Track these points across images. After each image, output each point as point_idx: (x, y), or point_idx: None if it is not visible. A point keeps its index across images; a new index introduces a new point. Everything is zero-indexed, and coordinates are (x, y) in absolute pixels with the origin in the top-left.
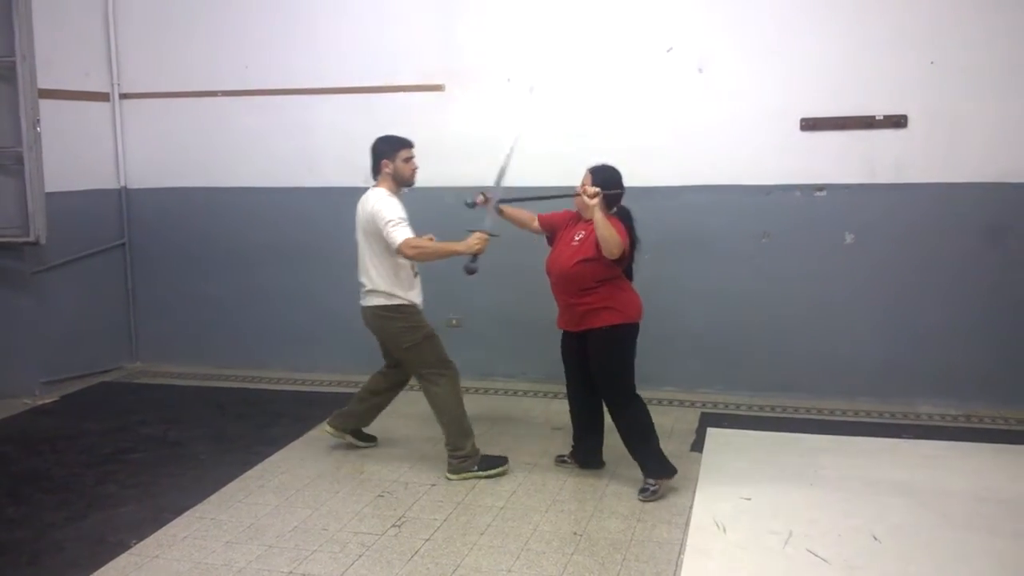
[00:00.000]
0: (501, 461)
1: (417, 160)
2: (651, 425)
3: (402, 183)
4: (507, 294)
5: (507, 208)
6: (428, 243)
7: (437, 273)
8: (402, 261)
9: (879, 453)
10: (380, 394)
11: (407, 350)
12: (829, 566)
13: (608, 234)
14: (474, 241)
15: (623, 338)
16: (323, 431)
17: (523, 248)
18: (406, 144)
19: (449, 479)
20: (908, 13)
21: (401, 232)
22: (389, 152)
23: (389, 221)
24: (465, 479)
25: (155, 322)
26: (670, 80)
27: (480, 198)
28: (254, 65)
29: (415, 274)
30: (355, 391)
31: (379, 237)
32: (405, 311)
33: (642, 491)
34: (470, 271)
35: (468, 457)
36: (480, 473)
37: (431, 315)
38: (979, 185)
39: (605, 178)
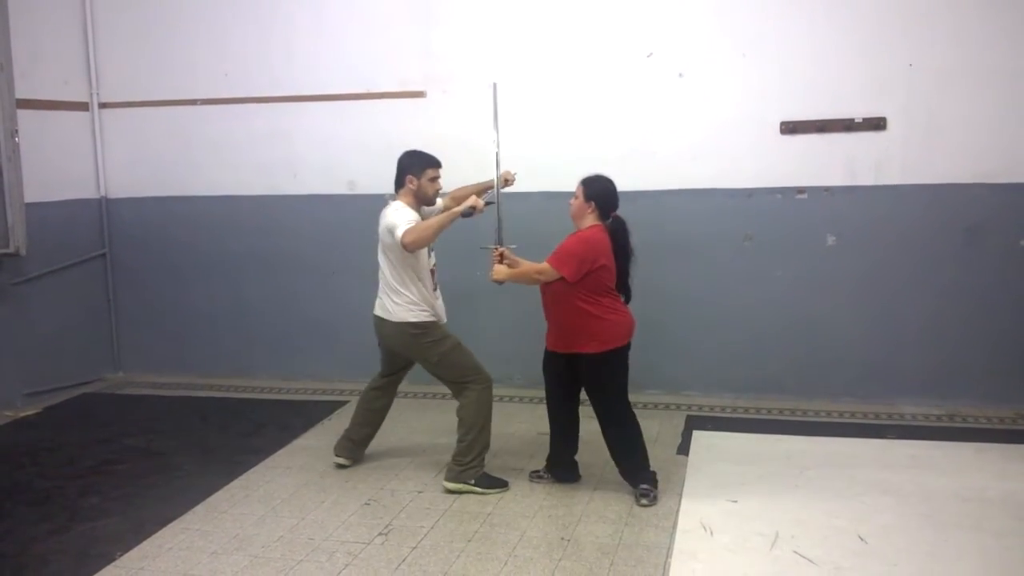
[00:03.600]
0: (500, 483)
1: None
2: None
3: (424, 202)
4: (492, 300)
5: None
6: (420, 223)
7: None
8: (416, 276)
9: (863, 454)
10: (382, 411)
11: (437, 364)
12: (816, 567)
13: (520, 279)
14: (470, 200)
15: (610, 362)
16: (336, 462)
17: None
18: (435, 163)
19: (445, 487)
20: (885, 16)
21: (401, 230)
22: (417, 169)
23: (398, 227)
24: (460, 491)
25: (137, 332)
26: (651, 85)
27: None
28: (233, 73)
29: (435, 287)
30: (340, 399)
31: (396, 250)
32: (428, 327)
33: (643, 496)
34: (482, 208)
35: (469, 468)
36: (476, 488)
37: None
38: (957, 186)
39: (598, 190)
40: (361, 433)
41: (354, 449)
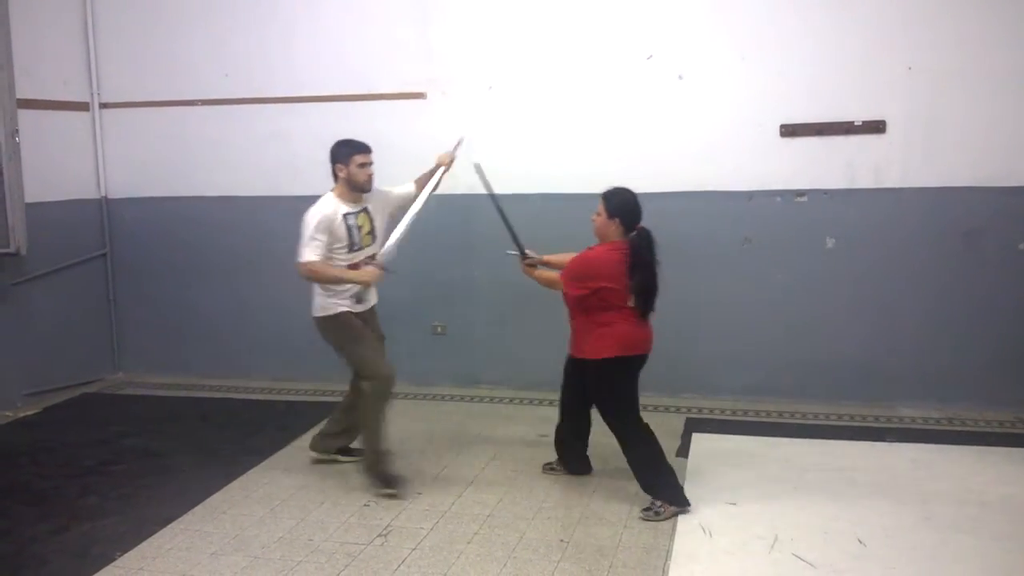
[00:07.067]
0: (392, 482)
1: (374, 167)
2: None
3: (356, 188)
4: (492, 301)
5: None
6: (323, 267)
7: (422, 279)
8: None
9: (862, 456)
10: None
11: (338, 352)
12: (815, 570)
13: (547, 283)
14: (367, 275)
15: (609, 373)
16: (310, 456)
17: (507, 257)
18: (361, 149)
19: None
20: (884, 19)
21: (306, 252)
22: (344, 157)
23: (303, 236)
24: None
25: (137, 333)
26: (650, 88)
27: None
28: (234, 74)
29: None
30: (339, 400)
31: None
32: (337, 319)
33: (645, 510)
34: (358, 299)
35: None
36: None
37: (416, 321)
38: (956, 189)
39: (618, 204)
40: (332, 426)
41: (323, 439)
